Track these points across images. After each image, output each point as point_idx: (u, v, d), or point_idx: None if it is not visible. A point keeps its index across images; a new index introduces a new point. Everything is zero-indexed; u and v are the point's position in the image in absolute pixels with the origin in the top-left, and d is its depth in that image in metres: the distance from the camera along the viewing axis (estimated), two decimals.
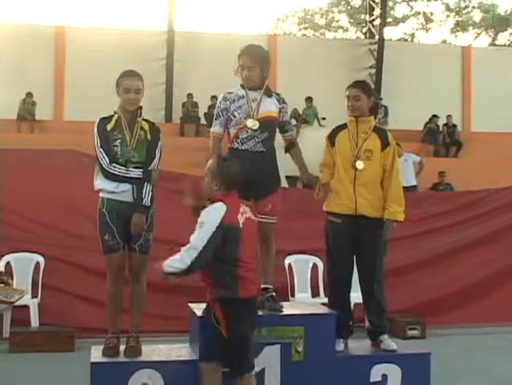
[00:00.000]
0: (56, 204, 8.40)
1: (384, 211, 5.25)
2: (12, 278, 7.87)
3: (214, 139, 5.20)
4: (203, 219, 4.16)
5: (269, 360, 4.84)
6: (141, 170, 4.88)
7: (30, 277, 8.04)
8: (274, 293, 5.17)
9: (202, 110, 19.95)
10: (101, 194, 4.93)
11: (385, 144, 5.30)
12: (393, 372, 5.08)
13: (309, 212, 7.57)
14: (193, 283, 4.42)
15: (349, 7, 37.79)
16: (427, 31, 38.45)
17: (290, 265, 8.65)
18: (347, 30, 38.12)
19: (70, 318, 7.88)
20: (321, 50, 23.02)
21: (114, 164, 4.84)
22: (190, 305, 5.07)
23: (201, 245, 4.08)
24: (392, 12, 35.88)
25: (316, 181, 5.34)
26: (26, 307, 7.73)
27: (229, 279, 4.16)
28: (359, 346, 5.41)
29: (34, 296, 7.93)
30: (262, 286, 5.20)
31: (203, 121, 19.49)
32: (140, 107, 5.04)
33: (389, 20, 32.79)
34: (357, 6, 35.82)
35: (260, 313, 5.05)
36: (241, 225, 4.21)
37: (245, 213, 4.30)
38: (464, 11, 38.61)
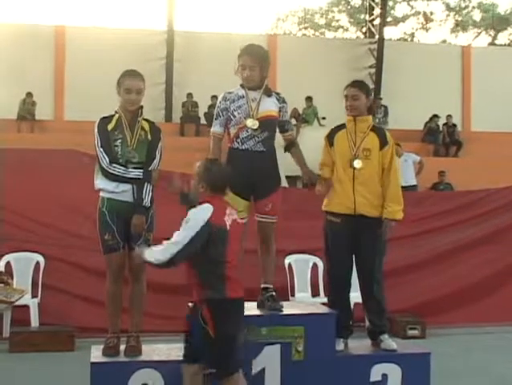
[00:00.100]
0: (56, 203, 8.41)
1: (383, 210, 5.25)
2: (12, 278, 7.89)
3: (214, 139, 5.20)
4: (189, 217, 4.19)
5: (269, 360, 4.84)
6: (141, 170, 4.88)
7: (30, 277, 8.05)
8: (274, 293, 5.17)
9: (202, 110, 19.95)
10: (101, 194, 4.93)
11: (384, 143, 5.31)
12: (393, 372, 5.07)
13: (309, 211, 7.58)
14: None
15: (349, 7, 37.79)
16: (427, 31, 38.47)
17: (290, 265, 8.66)
18: (347, 30, 38.13)
19: (70, 317, 7.88)
20: (321, 49, 23.02)
21: (114, 165, 4.84)
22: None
23: (184, 242, 4.10)
24: (392, 12, 35.88)
25: (318, 178, 5.33)
26: (26, 307, 7.74)
27: (216, 280, 4.17)
28: (359, 345, 5.41)
29: (34, 296, 7.93)
30: (262, 286, 5.21)
31: (203, 121, 19.49)
32: (141, 107, 5.04)
33: (389, 20, 32.78)
34: (357, 6, 35.83)
35: (260, 312, 5.07)
36: (228, 227, 4.22)
37: (231, 215, 4.30)
38: (464, 11, 38.61)
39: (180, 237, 4.12)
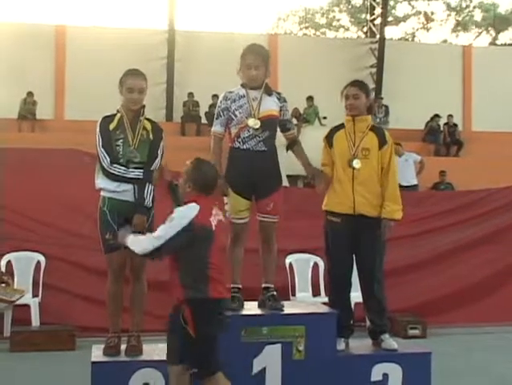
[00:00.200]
0: (57, 203, 8.42)
1: (381, 210, 5.25)
2: (13, 278, 7.89)
3: (215, 138, 5.20)
4: (175, 214, 4.20)
5: (270, 359, 4.85)
6: (142, 170, 4.87)
7: (30, 277, 8.06)
8: (275, 293, 5.18)
9: (203, 109, 19.95)
10: (102, 193, 4.92)
11: (382, 143, 5.30)
12: (394, 371, 5.08)
13: (310, 211, 7.59)
14: None
15: (350, 6, 37.77)
16: (428, 31, 38.45)
17: (290, 265, 8.66)
18: (347, 30, 38.12)
19: (70, 317, 7.89)
20: (322, 49, 23.00)
21: (115, 165, 4.83)
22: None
23: (165, 237, 4.12)
24: (392, 11, 35.87)
25: (321, 173, 5.32)
26: (26, 306, 7.75)
27: (200, 280, 4.16)
28: (360, 345, 5.41)
29: (34, 295, 7.94)
30: (263, 285, 5.21)
31: (204, 120, 19.48)
32: (143, 106, 5.03)
33: (390, 19, 32.79)
34: (358, 6, 35.81)
35: (261, 312, 5.07)
36: (213, 227, 4.22)
37: (217, 216, 4.30)
38: (465, 10, 38.59)
39: (163, 232, 4.15)
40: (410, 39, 36.70)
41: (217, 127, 5.18)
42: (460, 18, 38.52)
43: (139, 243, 4.26)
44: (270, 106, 5.13)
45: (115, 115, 4.98)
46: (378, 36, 23.78)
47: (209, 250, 4.19)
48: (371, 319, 5.41)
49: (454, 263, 9.25)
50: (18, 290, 7.64)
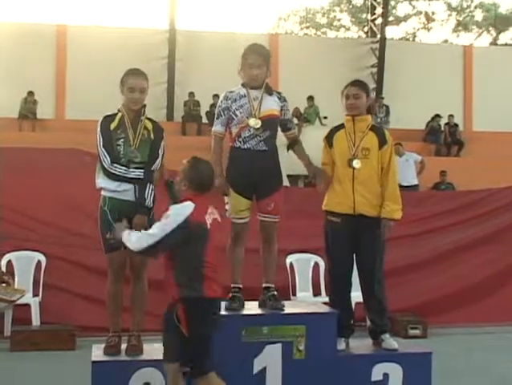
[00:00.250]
0: (57, 202, 8.42)
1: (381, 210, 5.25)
2: (13, 277, 7.90)
3: (216, 138, 5.19)
4: (170, 212, 4.22)
5: (270, 359, 4.84)
6: (142, 170, 4.86)
7: (31, 276, 8.06)
8: (275, 292, 5.17)
9: (204, 108, 19.95)
10: (103, 192, 4.92)
11: (382, 142, 5.29)
12: (394, 371, 5.07)
13: (310, 210, 7.57)
14: None
15: (351, 6, 37.77)
16: (428, 31, 38.44)
17: (291, 264, 8.66)
18: (348, 29, 38.12)
19: (71, 316, 7.89)
20: (323, 49, 23.00)
21: (115, 165, 4.82)
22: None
23: (160, 235, 4.13)
24: (393, 11, 35.86)
25: (322, 172, 5.32)
26: (27, 306, 7.75)
27: (194, 278, 4.16)
28: (360, 345, 5.41)
29: (35, 294, 7.95)
30: (264, 285, 5.21)
31: (205, 120, 19.48)
32: (144, 106, 5.02)
33: (391, 19, 32.79)
34: (359, 5, 35.79)
35: (261, 312, 5.07)
36: (208, 226, 4.23)
37: (212, 214, 4.31)
38: (465, 10, 38.59)
39: (157, 230, 4.16)
40: (411, 39, 36.70)
41: (217, 127, 5.18)
42: (461, 18, 38.52)
43: (134, 240, 4.26)
44: (271, 105, 5.13)
45: (116, 114, 4.98)
46: (379, 36, 23.78)
47: (204, 249, 4.20)
48: (372, 319, 5.41)
49: (455, 263, 9.25)
50: (18, 290, 7.64)
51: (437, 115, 20.33)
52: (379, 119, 19.26)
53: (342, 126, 5.41)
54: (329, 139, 5.41)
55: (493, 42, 36.84)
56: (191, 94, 20.55)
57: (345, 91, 5.38)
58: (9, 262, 8.07)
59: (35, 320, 7.82)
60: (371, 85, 21.67)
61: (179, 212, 4.19)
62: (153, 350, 4.93)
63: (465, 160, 18.98)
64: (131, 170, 4.83)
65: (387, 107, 20.36)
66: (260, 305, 5.18)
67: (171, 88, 21.31)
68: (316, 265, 8.67)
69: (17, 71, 19.85)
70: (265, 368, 4.83)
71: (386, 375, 5.06)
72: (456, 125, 20.61)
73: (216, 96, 17.36)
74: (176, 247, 4.17)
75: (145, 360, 4.74)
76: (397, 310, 7.97)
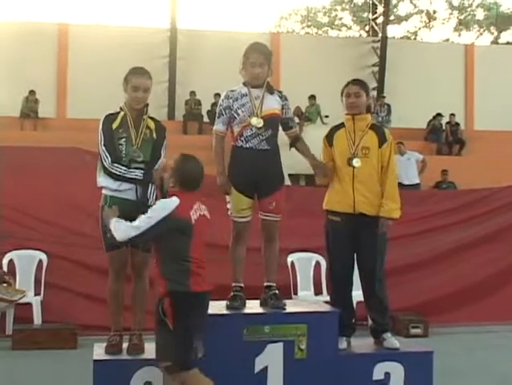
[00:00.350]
0: (58, 201, 8.41)
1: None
2: (15, 277, 7.89)
3: (217, 137, 5.19)
4: (155, 207, 4.31)
5: (272, 358, 4.84)
6: (142, 171, 4.84)
7: (32, 275, 8.06)
8: (276, 291, 5.17)
9: (205, 107, 19.95)
10: (104, 191, 4.91)
11: (382, 141, 5.28)
12: (396, 370, 5.07)
13: (311, 209, 7.56)
14: None
15: (352, 5, 37.77)
16: (430, 29, 38.43)
17: (292, 263, 8.65)
18: (350, 28, 38.12)
19: (72, 315, 7.89)
20: (324, 48, 22.98)
21: (116, 164, 4.81)
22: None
23: (144, 227, 4.22)
24: (395, 10, 35.85)
25: (323, 165, 5.30)
26: (28, 305, 7.75)
27: (180, 273, 4.21)
28: (361, 344, 5.40)
29: (36, 293, 7.95)
30: (265, 284, 5.21)
31: (206, 119, 19.47)
32: (147, 105, 5.00)
33: (392, 18, 32.78)
34: (360, 4, 35.80)
35: (263, 310, 5.07)
36: (193, 221, 4.25)
37: (199, 210, 4.34)
38: (467, 9, 38.56)
39: (142, 222, 4.24)
40: (412, 38, 36.68)
41: (218, 126, 5.18)
42: (462, 17, 38.51)
43: (119, 229, 4.36)
44: (273, 104, 5.13)
45: (118, 113, 4.96)
46: (380, 35, 23.76)
47: (188, 244, 4.24)
48: (373, 318, 5.41)
49: (456, 262, 9.24)
50: (19, 291, 7.64)
51: (439, 114, 20.31)
52: (380, 118, 19.25)
53: (342, 125, 5.40)
54: (329, 138, 5.40)
55: (495, 41, 36.83)
56: (192, 93, 20.55)
57: (345, 89, 5.37)
58: (10, 261, 8.07)
59: (37, 319, 7.83)
60: (373, 84, 21.68)
61: (163, 206, 4.26)
62: (154, 349, 4.93)
63: (466, 158, 18.97)
64: (131, 170, 4.82)
65: (388, 106, 20.36)
66: (261, 304, 5.17)
67: (172, 87, 21.30)
68: (317, 264, 8.67)
69: (18, 70, 19.85)
70: (266, 367, 4.83)
71: (387, 374, 5.06)
72: (457, 124, 20.59)
73: (217, 95, 17.34)
74: (160, 240, 4.25)
75: (147, 359, 4.73)
76: (399, 309, 7.96)
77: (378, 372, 5.06)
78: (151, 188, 4.85)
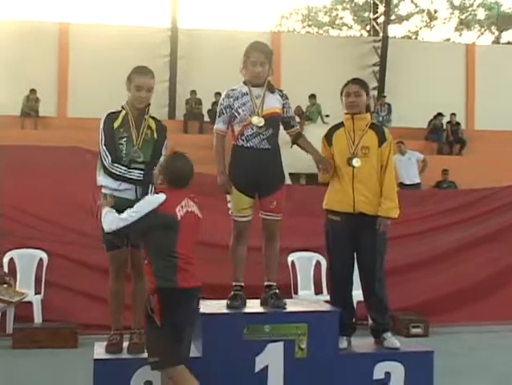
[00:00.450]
0: (59, 200, 8.41)
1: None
2: (15, 278, 7.88)
3: (218, 136, 5.19)
4: (141, 202, 4.37)
5: (272, 357, 4.84)
6: (142, 171, 4.83)
7: (33, 274, 8.07)
8: (277, 291, 5.16)
9: (206, 107, 19.95)
10: (103, 190, 4.90)
11: (382, 140, 5.27)
12: (396, 370, 5.06)
13: (312, 209, 7.55)
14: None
15: (353, 5, 37.77)
16: (431, 29, 38.42)
17: (293, 263, 8.65)
18: (350, 28, 38.12)
19: (73, 314, 7.90)
20: (325, 47, 22.98)
21: (116, 164, 4.80)
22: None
23: (129, 220, 4.28)
24: (396, 10, 35.84)
25: (325, 160, 5.28)
26: (29, 303, 7.74)
27: (167, 269, 4.22)
28: (362, 343, 5.40)
29: (37, 292, 7.95)
30: (266, 284, 5.20)
31: (207, 118, 19.48)
32: (148, 105, 4.98)
33: (393, 18, 32.77)
34: (361, 4, 35.81)
35: (263, 310, 5.06)
36: (178, 218, 4.26)
37: (186, 207, 4.34)
38: (468, 9, 38.55)
39: (128, 216, 4.31)
40: (413, 38, 36.67)
41: (219, 125, 5.17)
42: (463, 17, 38.50)
43: (108, 219, 4.45)
44: (273, 103, 5.12)
45: (120, 111, 4.94)
46: (381, 34, 23.77)
47: (175, 240, 4.24)
48: (374, 318, 5.40)
49: (457, 261, 9.24)
50: (19, 292, 7.63)
51: (439, 114, 20.31)
52: (381, 118, 19.25)
53: (341, 124, 5.39)
54: (328, 137, 5.39)
55: (496, 41, 36.81)
56: (193, 92, 20.55)
57: (345, 88, 5.36)
58: (11, 260, 8.07)
59: (37, 318, 7.84)
60: (374, 83, 21.68)
61: (149, 201, 4.30)
62: None
63: (467, 158, 18.96)
64: (131, 170, 4.81)
65: (389, 105, 20.35)
66: (262, 304, 5.17)
67: (173, 86, 21.30)
68: (318, 263, 8.67)
69: (19, 69, 19.85)
70: (267, 367, 4.82)
71: (388, 374, 5.05)
72: (458, 124, 20.59)
73: (218, 94, 17.35)
74: (147, 237, 4.28)
75: (147, 358, 4.73)
76: (399, 308, 7.96)
77: (378, 372, 5.05)
78: (151, 189, 4.84)
